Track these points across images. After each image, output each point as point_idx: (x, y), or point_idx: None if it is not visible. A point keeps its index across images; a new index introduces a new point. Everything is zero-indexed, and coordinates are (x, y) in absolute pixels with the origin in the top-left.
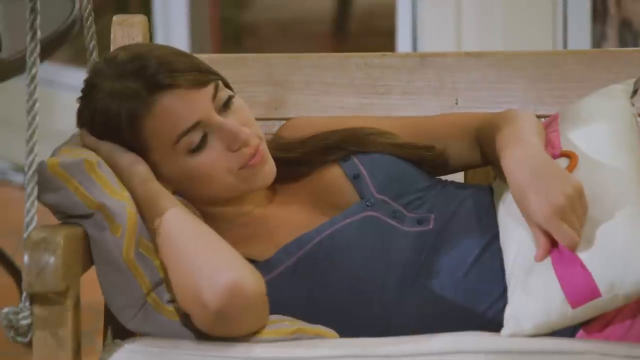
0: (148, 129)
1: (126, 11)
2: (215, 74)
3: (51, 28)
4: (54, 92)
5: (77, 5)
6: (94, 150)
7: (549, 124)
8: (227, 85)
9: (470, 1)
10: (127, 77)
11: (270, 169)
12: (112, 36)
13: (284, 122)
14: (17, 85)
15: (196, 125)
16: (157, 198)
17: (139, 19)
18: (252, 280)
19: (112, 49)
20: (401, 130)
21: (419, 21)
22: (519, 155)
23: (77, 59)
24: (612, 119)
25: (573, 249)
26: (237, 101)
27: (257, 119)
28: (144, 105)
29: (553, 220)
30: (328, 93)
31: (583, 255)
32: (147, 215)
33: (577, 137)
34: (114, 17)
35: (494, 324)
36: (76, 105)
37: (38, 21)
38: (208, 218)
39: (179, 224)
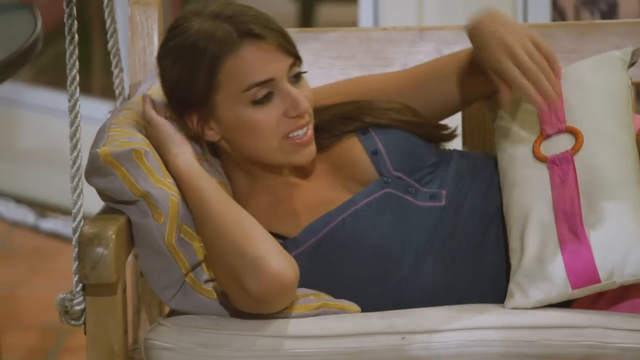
0: (225, 70)
1: None
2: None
3: (13, 47)
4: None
5: (39, 24)
6: (147, 121)
7: None
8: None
9: None
10: (222, 19)
11: (311, 151)
12: (129, 14)
13: None
14: None
15: (268, 82)
16: (200, 183)
17: None
18: (291, 270)
19: (129, 26)
20: (401, 83)
21: None
22: (483, 22)
23: (39, 78)
24: (613, 95)
25: (526, 90)
26: (305, 79)
27: None
28: (231, 46)
29: (506, 61)
30: (334, 66)
31: (592, 238)
32: (190, 199)
33: (580, 113)
34: None
35: (498, 295)
36: (38, 124)
37: None
38: (244, 175)
39: (222, 210)
